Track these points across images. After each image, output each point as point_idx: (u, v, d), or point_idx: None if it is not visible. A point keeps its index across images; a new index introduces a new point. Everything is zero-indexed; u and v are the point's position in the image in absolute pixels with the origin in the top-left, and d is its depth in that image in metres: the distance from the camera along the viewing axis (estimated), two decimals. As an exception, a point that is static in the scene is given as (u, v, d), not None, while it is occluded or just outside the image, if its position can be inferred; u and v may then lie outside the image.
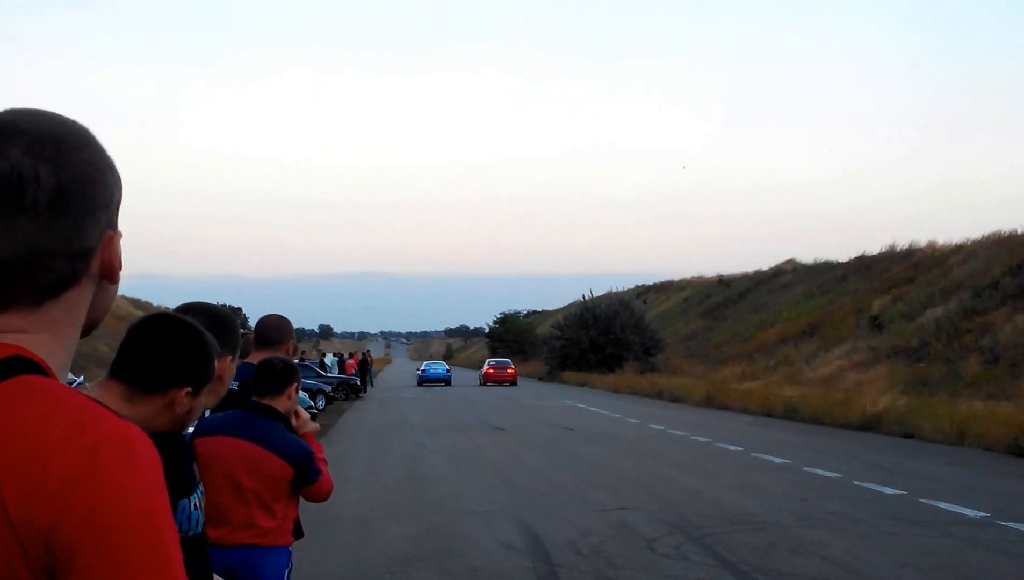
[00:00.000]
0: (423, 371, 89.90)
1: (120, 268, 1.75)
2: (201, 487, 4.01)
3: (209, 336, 3.56)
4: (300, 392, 6.44)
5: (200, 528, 3.83)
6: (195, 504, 3.80)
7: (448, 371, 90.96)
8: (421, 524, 15.56)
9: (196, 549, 3.73)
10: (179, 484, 3.57)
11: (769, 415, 42.29)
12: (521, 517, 15.96)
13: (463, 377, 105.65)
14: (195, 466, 4.20)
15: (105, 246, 1.71)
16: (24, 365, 1.60)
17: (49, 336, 1.67)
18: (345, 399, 54.91)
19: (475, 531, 14.83)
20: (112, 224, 1.73)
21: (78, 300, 1.71)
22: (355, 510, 16.87)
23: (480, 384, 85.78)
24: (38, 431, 1.51)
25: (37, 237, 1.62)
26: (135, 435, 1.57)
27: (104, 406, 1.61)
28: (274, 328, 6.91)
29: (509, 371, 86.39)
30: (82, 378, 4.27)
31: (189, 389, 3.41)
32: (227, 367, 4.01)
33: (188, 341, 3.44)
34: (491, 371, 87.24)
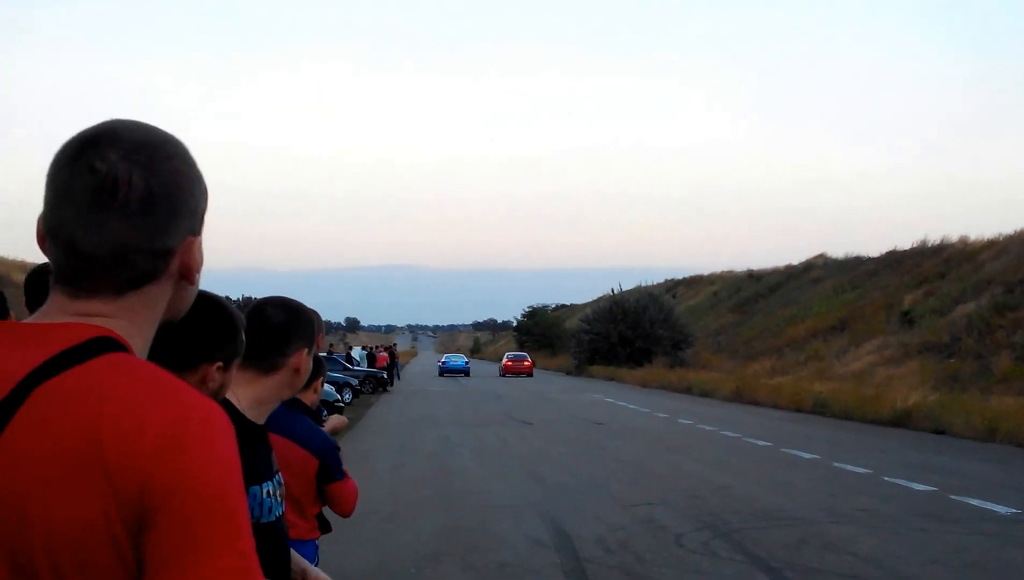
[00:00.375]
0: (444, 363, 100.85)
1: (199, 271, 1.96)
2: (279, 477, 3.94)
3: (235, 309, 3.48)
4: (326, 385, 6.44)
5: (274, 517, 3.77)
6: (268, 492, 3.75)
7: (467, 363, 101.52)
8: (447, 519, 15.51)
9: (270, 537, 3.68)
10: (249, 470, 3.46)
11: (799, 410, 42.22)
12: (548, 512, 15.89)
13: (487, 369, 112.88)
14: (272, 455, 4.10)
15: (186, 249, 1.91)
16: (112, 344, 1.80)
17: (127, 324, 1.86)
18: (372, 393, 54.95)
19: (502, 526, 14.76)
20: (195, 230, 1.93)
21: (157, 295, 1.91)
22: (381, 505, 16.81)
23: (500, 375, 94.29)
24: (133, 401, 1.71)
25: (125, 234, 1.82)
26: (217, 411, 1.78)
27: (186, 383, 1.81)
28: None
29: (525, 363, 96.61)
30: None
31: (220, 364, 3.33)
32: (303, 360, 3.95)
33: (215, 315, 3.36)
34: (509, 363, 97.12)
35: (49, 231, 1.86)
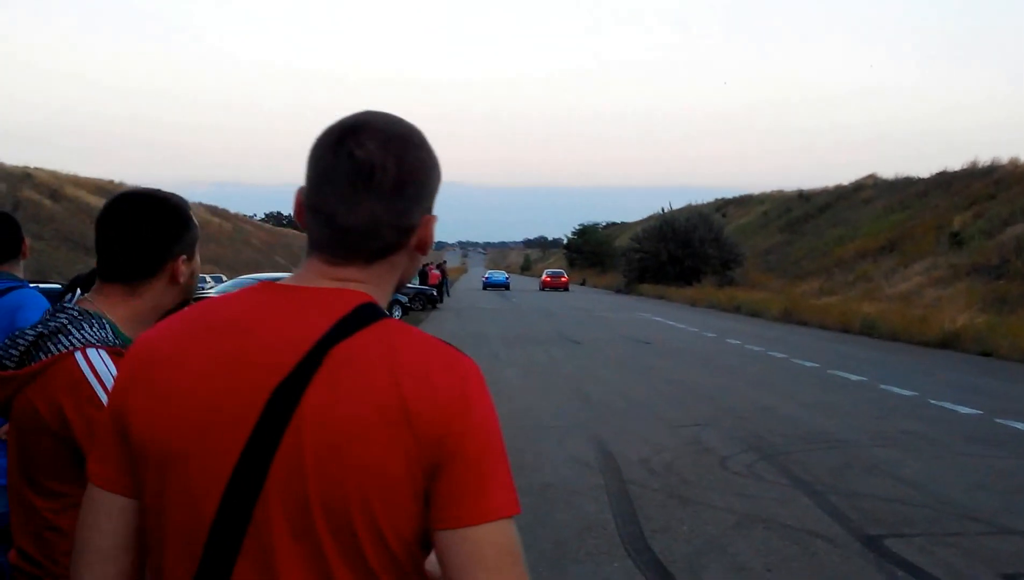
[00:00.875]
0: (487, 278, 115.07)
1: (432, 244, 2.26)
2: None
3: (178, 198, 3.44)
4: None
5: None
6: None
7: (507, 278, 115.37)
8: (495, 438, 15.60)
9: None
10: None
11: (846, 331, 42.17)
12: (594, 433, 15.99)
13: (532, 285, 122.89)
14: None
15: (424, 225, 2.20)
16: (376, 309, 2.12)
17: (374, 287, 2.18)
18: (422, 310, 55.14)
19: (547, 446, 14.87)
20: (430, 209, 2.22)
21: (397, 263, 2.21)
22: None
23: (540, 289, 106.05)
24: (425, 359, 2.04)
25: (378, 212, 2.11)
26: (476, 368, 2.10)
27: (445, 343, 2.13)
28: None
29: (563, 280, 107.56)
30: (78, 291, 4.29)
31: (183, 257, 3.37)
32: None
33: (161, 212, 3.34)
34: (548, 279, 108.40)
35: (311, 206, 2.16)
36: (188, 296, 3.53)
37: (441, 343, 2.10)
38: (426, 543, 2.05)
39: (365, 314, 2.08)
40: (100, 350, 3.18)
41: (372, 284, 2.17)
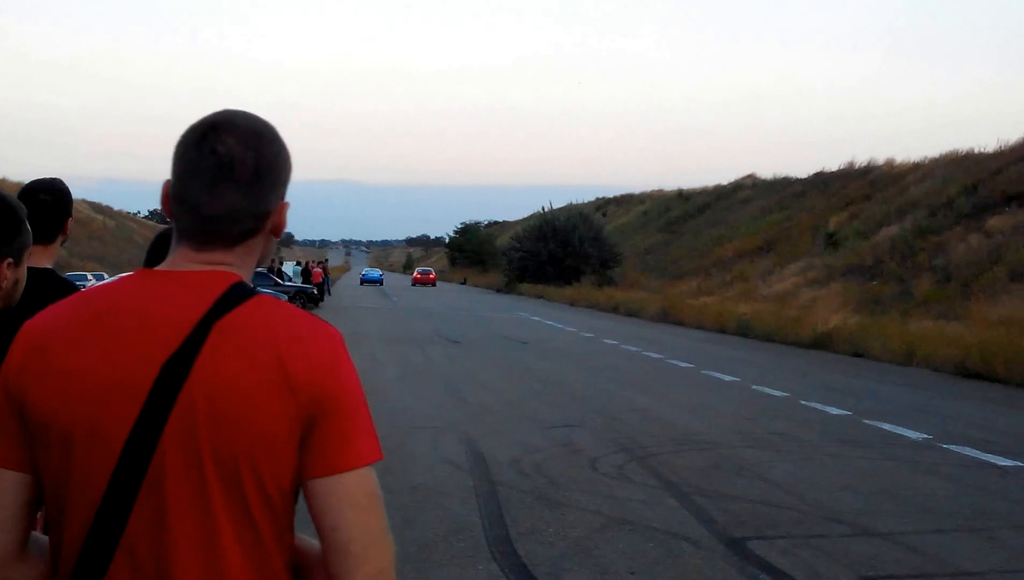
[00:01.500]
0: (364, 275, 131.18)
1: (285, 228, 2.46)
2: None
3: (13, 199, 3.43)
4: None
5: None
6: None
7: (380, 275, 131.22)
8: (367, 440, 15.53)
9: None
10: None
11: (723, 331, 42.60)
12: (467, 433, 15.95)
13: (405, 282, 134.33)
14: None
15: (278, 211, 2.42)
16: (246, 286, 2.33)
17: (239, 268, 2.38)
18: (302, 308, 54.75)
19: (420, 447, 14.79)
20: (283, 197, 2.43)
21: (255, 245, 2.42)
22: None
23: (411, 285, 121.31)
24: (298, 328, 2.28)
25: (237, 201, 2.32)
26: (339, 333, 2.34)
27: None
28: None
29: (431, 276, 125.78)
30: None
31: (10, 260, 3.32)
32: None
33: None
34: (418, 276, 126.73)
35: (177, 197, 2.35)
36: (9, 303, 3.47)
37: (308, 314, 2.34)
38: (295, 494, 2.29)
39: (240, 291, 2.30)
40: None
41: (237, 265, 2.38)
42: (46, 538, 2.41)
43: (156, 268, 2.38)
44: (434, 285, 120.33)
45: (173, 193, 2.36)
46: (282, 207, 2.43)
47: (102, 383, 2.23)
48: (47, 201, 4.48)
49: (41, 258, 4.36)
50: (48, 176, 4.62)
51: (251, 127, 2.37)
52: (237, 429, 2.19)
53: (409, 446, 14.87)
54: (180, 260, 2.36)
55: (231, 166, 2.30)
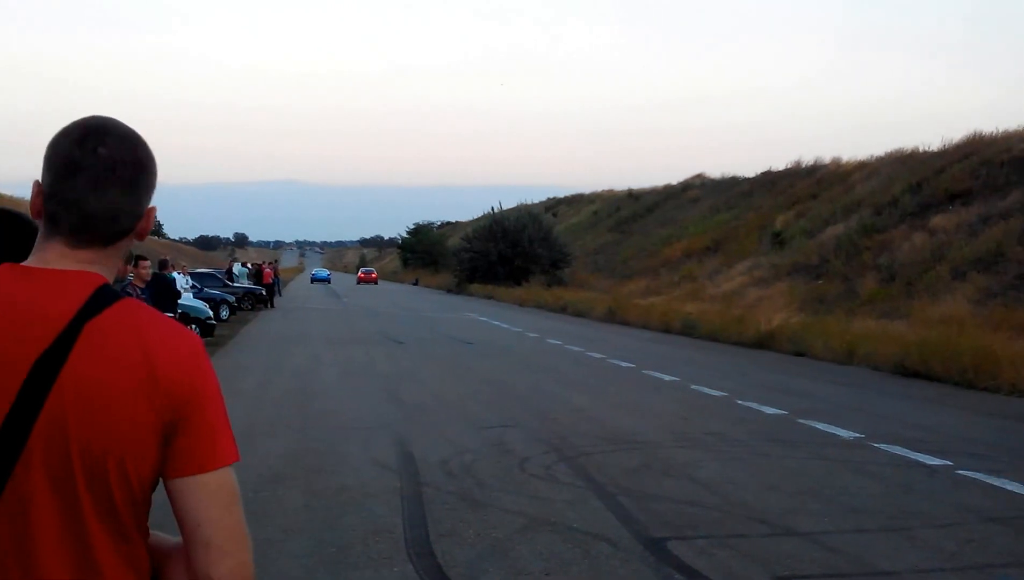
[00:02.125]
0: (313, 274, 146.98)
1: (150, 231, 2.59)
2: None
3: (28, 216, 3.48)
4: (196, 301, 6.50)
5: None
6: None
7: (328, 274, 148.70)
8: (299, 441, 15.50)
9: None
10: None
11: (668, 331, 42.68)
12: (400, 434, 15.91)
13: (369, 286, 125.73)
14: None
15: (148, 214, 2.54)
16: (111, 289, 2.43)
17: (106, 269, 2.47)
18: (251, 309, 54.81)
19: (351, 448, 14.76)
20: (151, 200, 2.54)
21: (122, 246, 2.51)
22: (238, 425, 16.37)
23: (356, 284, 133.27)
24: (165, 335, 2.40)
25: (118, 201, 2.43)
26: (201, 340, 2.49)
27: None
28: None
29: (373, 276, 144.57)
30: None
31: None
32: None
33: (12, 228, 3.30)
34: (362, 275, 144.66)
35: (56, 195, 2.42)
36: None
37: (171, 319, 2.48)
38: (153, 489, 2.42)
39: (107, 293, 2.39)
40: None
41: (105, 266, 2.47)
42: None
43: (24, 264, 2.45)
44: (376, 283, 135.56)
45: (51, 191, 2.43)
46: (151, 211, 2.55)
47: None
48: None
49: None
50: None
51: (127, 133, 2.49)
52: (106, 426, 2.29)
53: (340, 447, 14.87)
54: (52, 256, 2.43)
55: (113, 167, 2.41)
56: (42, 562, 2.29)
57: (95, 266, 2.45)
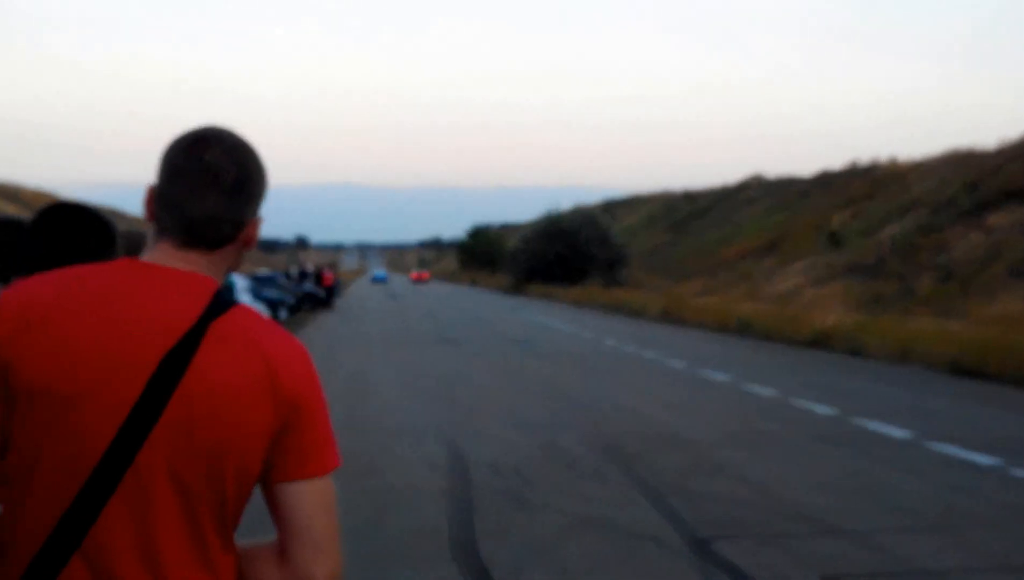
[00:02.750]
0: (374, 276, 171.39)
1: (256, 240, 2.66)
2: None
3: (107, 217, 3.66)
4: (258, 303, 6.67)
5: None
6: None
7: (386, 276, 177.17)
8: (350, 441, 15.51)
9: None
10: None
11: (722, 331, 42.50)
12: (452, 435, 16.00)
13: (420, 286, 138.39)
14: None
15: (252, 225, 2.61)
16: (230, 295, 2.61)
17: (214, 272, 2.56)
18: (310, 311, 55.18)
19: (401, 449, 14.85)
20: (257, 212, 2.62)
21: (230, 253, 2.60)
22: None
23: (411, 282, 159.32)
24: (279, 341, 2.52)
25: (219, 207, 2.51)
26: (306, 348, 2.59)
27: None
28: (136, 244, 7.20)
29: (425, 276, 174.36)
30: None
31: None
32: None
33: (90, 227, 3.55)
34: (415, 275, 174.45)
35: (163, 198, 2.53)
36: None
37: (281, 327, 2.57)
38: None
39: (224, 298, 2.50)
40: None
41: (212, 270, 2.56)
42: None
43: (141, 259, 2.54)
44: (427, 282, 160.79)
45: (159, 195, 2.54)
46: (255, 222, 2.62)
47: (101, 362, 2.37)
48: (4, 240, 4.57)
49: None
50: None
51: (236, 142, 2.56)
52: (229, 427, 2.39)
53: (392, 448, 14.94)
54: (163, 255, 2.53)
55: (216, 174, 2.49)
56: (163, 552, 2.38)
57: (202, 269, 2.54)
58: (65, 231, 3.56)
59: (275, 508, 2.52)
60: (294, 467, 2.48)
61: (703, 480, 12.97)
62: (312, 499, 2.49)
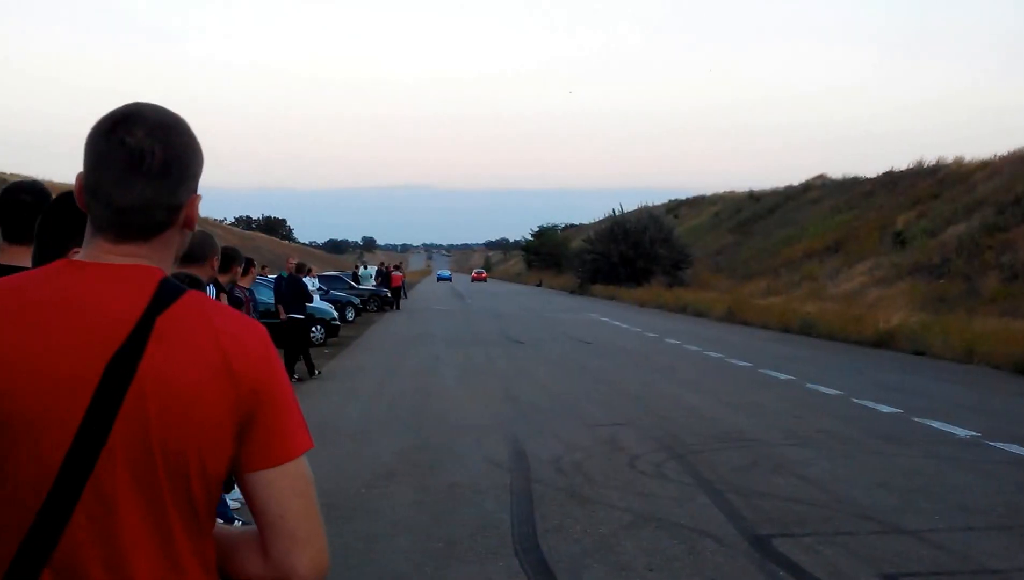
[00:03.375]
0: (438, 274, 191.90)
1: (197, 220, 2.51)
2: None
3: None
4: (324, 303, 6.89)
5: None
6: None
7: (450, 274, 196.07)
8: (414, 439, 15.69)
9: None
10: None
11: (786, 331, 42.34)
12: (514, 432, 16.09)
13: (486, 286, 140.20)
14: None
15: (190, 205, 2.45)
16: (172, 281, 2.40)
17: (156, 262, 2.41)
18: (376, 311, 55.40)
19: (465, 446, 14.94)
20: (195, 189, 2.46)
21: (171, 238, 2.45)
22: (355, 423, 17.08)
23: (471, 281, 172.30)
24: (233, 326, 2.38)
25: (148, 193, 2.34)
26: (265, 329, 2.47)
27: None
28: (197, 244, 7.67)
29: (483, 275, 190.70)
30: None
31: (77, 249, 3.44)
32: None
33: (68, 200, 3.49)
34: (475, 275, 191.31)
35: (89, 189, 2.37)
36: None
37: (236, 310, 2.45)
38: (224, 480, 2.39)
39: (171, 287, 2.37)
40: None
41: (154, 259, 2.42)
42: None
43: (77, 259, 2.40)
44: (485, 281, 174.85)
45: (85, 185, 2.38)
46: (193, 200, 2.45)
47: (44, 378, 2.24)
48: (27, 201, 4.61)
49: (20, 257, 4.49)
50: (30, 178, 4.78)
51: (160, 119, 2.39)
52: (187, 421, 2.26)
53: (453, 445, 15.03)
54: (99, 252, 2.39)
55: (140, 158, 2.32)
56: (130, 561, 2.27)
57: (142, 260, 2.39)
58: (73, 216, 3.55)
59: (248, 500, 2.39)
60: (260, 456, 2.35)
61: (764, 478, 12.97)
62: (282, 487, 2.35)
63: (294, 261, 24.85)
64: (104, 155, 2.34)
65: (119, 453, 2.24)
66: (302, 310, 23.64)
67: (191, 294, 2.38)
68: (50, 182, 71.48)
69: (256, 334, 2.40)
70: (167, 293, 2.34)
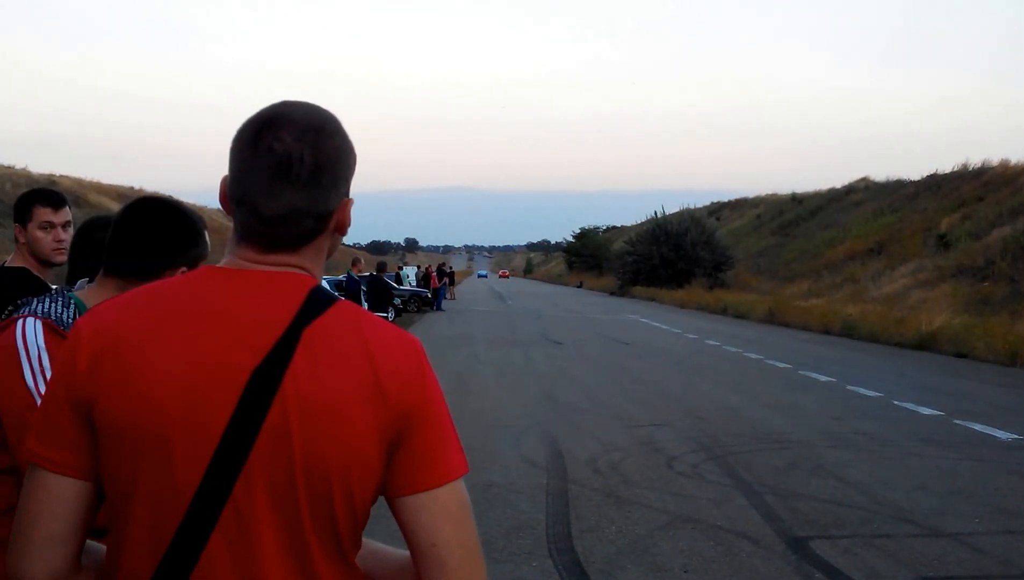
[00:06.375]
0: (478, 273, 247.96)
1: (349, 225, 2.37)
2: None
3: (195, 214, 3.55)
4: (364, 303, 6.66)
5: None
6: None
7: (486, 273, 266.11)
8: (453, 438, 15.64)
9: None
10: None
11: (827, 333, 42.19)
12: (551, 432, 16.03)
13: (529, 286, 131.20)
14: None
15: (342, 209, 2.32)
16: (324, 291, 2.29)
17: (308, 270, 2.30)
18: (416, 311, 55.50)
19: (503, 446, 14.88)
20: (347, 193, 2.33)
21: (322, 245, 2.33)
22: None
23: (499, 278, 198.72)
24: (385, 339, 2.24)
25: (296, 202, 2.22)
26: (421, 343, 2.33)
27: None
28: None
29: (507, 274, 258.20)
30: (86, 279, 4.52)
31: (184, 269, 3.37)
32: None
33: (175, 222, 3.45)
34: (501, 274, 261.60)
35: (235, 198, 2.26)
36: None
37: (390, 323, 2.42)
38: (372, 504, 2.27)
39: (321, 296, 2.25)
40: (38, 320, 3.34)
41: (306, 267, 2.31)
42: (99, 547, 2.35)
43: (221, 265, 2.31)
44: (508, 278, 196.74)
45: (231, 193, 2.27)
46: (346, 204, 2.33)
47: (186, 389, 2.15)
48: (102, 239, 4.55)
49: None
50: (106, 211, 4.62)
51: (309, 121, 2.26)
52: (332, 443, 2.14)
53: (491, 445, 14.95)
54: (244, 261, 2.28)
55: (288, 165, 2.20)
56: None
57: (292, 268, 2.28)
58: (150, 225, 3.51)
59: (399, 524, 2.25)
60: (409, 480, 2.21)
61: (802, 479, 12.89)
62: (433, 513, 2.20)
63: (362, 263, 24.83)
64: (249, 163, 2.23)
65: (259, 473, 2.14)
66: (386, 309, 23.63)
67: (342, 303, 2.27)
68: (50, 177, 71.96)
69: (410, 348, 2.27)
70: (317, 302, 2.23)
